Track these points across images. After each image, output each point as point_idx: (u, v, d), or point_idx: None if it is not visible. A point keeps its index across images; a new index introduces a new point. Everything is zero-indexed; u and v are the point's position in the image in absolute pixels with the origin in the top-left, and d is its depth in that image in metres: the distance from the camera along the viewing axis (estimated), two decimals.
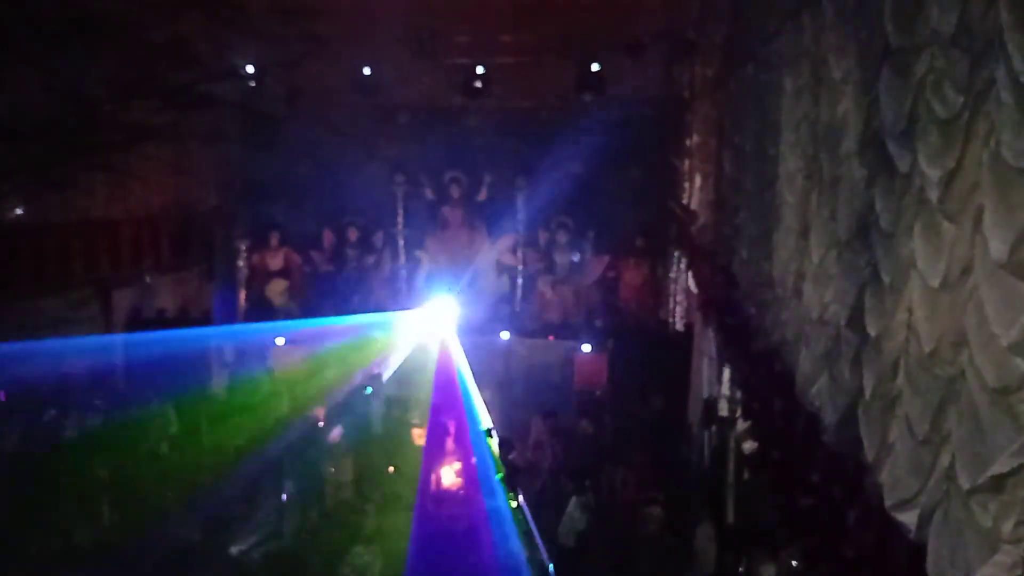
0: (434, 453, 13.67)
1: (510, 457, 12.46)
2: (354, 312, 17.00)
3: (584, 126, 16.34)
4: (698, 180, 15.75)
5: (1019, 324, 4.03)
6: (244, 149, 15.78)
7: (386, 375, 15.35)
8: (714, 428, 11.98)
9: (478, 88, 16.90)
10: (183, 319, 16.38)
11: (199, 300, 17.40)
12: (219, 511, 11.60)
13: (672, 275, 17.41)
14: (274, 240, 17.63)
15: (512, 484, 11.53)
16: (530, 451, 13.94)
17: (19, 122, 11.17)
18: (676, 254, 17.06)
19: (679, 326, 16.64)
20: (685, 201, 16.42)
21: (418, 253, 17.76)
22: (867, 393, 5.93)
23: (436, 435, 13.90)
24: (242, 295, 17.50)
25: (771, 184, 9.25)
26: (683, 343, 15.00)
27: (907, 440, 5.26)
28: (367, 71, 17.05)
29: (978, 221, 4.44)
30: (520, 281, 17.51)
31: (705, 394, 13.18)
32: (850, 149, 6.49)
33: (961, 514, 4.53)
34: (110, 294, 15.27)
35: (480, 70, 16.73)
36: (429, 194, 17.77)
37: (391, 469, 13.47)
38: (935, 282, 4.93)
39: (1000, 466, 4.12)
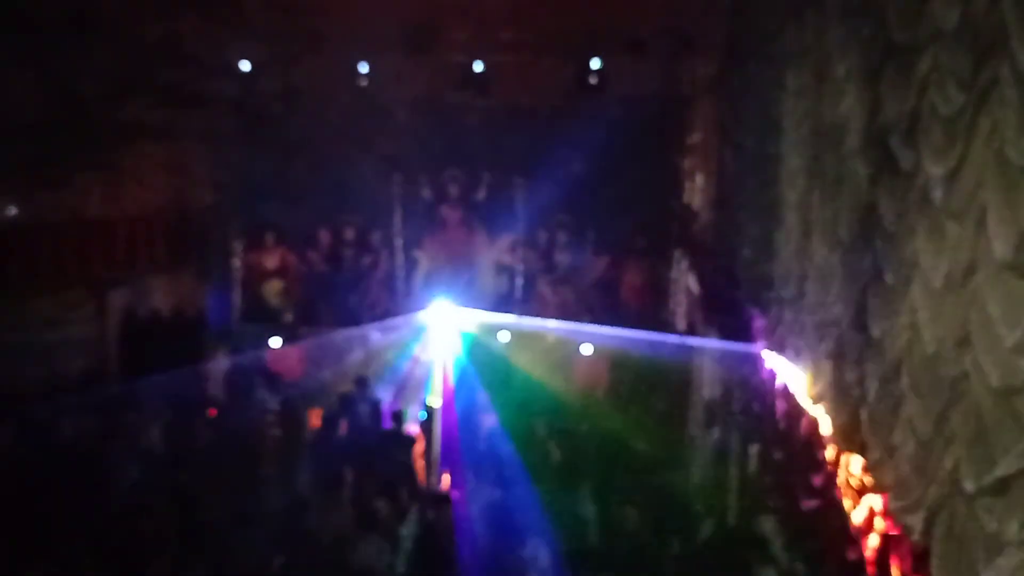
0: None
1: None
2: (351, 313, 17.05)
3: (584, 124, 16.32)
4: (699, 179, 15.77)
5: (1023, 325, 4.03)
6: (240, 148, 15.77)
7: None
8: (716, 429, 11.96)
9: (477, 86, 16.92)
10: (178, 319, 16.38)
11: (194, 300, 17.40)
12: None
13: (673, 275, 17.40)
14: (270, 239, 17.60)
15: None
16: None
17: (13, 121, 11.17)
18: (677, 254, 17.06)
19: (681, 325, 16.63)
20: (686, 200, 16.43)
21: (416, 253, 17.73)
22: (871, 394, 5.93)
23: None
24: (237, 295, 17.49)
25: (773, 183, 9.26)
26: (684, 342, 14.97)
27: (911, 442, 5.26)
28: (364, 68, 17.06)
29: (982, 221, 4.43)
30: (519, 281, 17.52)
31: (707, 395, 13.17)
32: (853, 147, 6.49)
33: (966, 516, 4.54)
34: (105, 294, 15.29)
35: (479, 67, 16.74)
36: (427, 193, 17.75)
37: None
38: (938, 282, 4.93)
39: (1005, 468, 4.13)
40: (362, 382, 14.43)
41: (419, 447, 13.48)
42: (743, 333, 10.26)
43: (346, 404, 13.61)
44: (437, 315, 15.09)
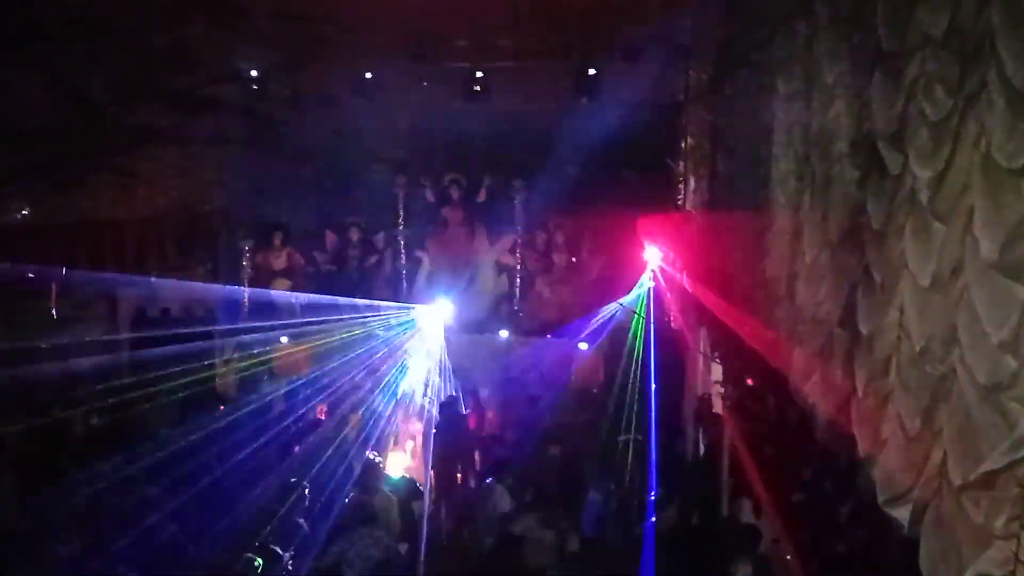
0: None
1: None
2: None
3: (581, 129, 16.36)
4: (693, 182, 15.79)
5: (1009, 323, 4.12)
6: (247, 151, 15.78)
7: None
8: (708, 425, 12.03)
9: (477, 91, 16.94)
10: (187, 319, 16.39)
11: (203, 300, 17.42)
12: None
13: (668, 275, 17.43)
14: (277, 240, 17.65)
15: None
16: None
17: (25, 124, 11.17)
18: (672, 254, 17.08)
19: (675, 324, 16.67)
20: (680, 202, 16.46)
21: (419, 253, 17.78)
22: (859, 391, 5.99)
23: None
24: (245, 294, 17.57)
25: (764, 185, 9.29)
26: (679, 341, 15.02)
27: (899, 437, 5.32)
28: (368, 75, 17.11)
29: (968, 221, 4.51)
30: (519, 281, 17.56)
31: (700, 392, 13.25)
32: (842, 151, 6.55)
33: (953, 510, 4.61)
34: (115, 294, 15.29)
35: (479, 74, 16.77)
36: (429, 195, 17.79)
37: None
38: (926, 281, 5.00)
39: (991, 463, 4.21)
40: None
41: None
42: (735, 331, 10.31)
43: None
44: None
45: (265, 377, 15.84)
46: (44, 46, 10.87)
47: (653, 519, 10.48)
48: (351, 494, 11.19)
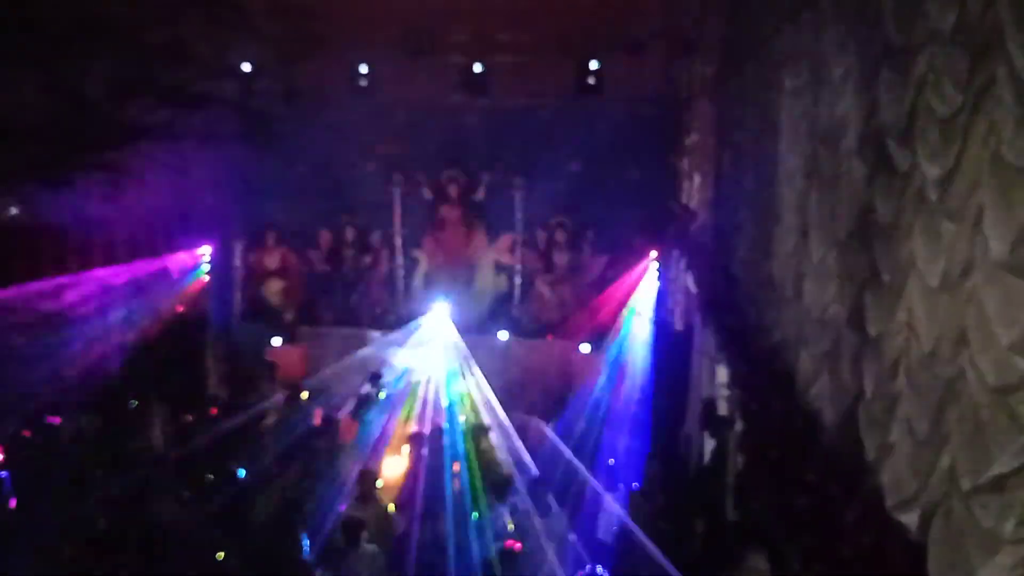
0: None
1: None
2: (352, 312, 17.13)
3: (583, 125, 16.36)
4: (697, 179, 15.76)
5: (1020, 323, 4.06)
6: (241, 148, 15.78)
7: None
8: (713, 427, 11.98)
9: (476, 87, 16.95)
10: (179, 318, 16.41)
11: (195, 299, 17.42)
12: None
13: (671, 275, 17.43)
14: (271, 239, 17.66)
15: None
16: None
17: (15, 121, 11.17)
18: (675, 253, 17.07)
19: (678, 325, 16.64)
20: (684, 200, 16.43)
21: (416, 253, 17.79)
22: (867, 393, 5.95)
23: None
24: (238, 294, 17.56)
25: (770, 183, 9.27)
26: (682, 342, 14.99)
27: (907, 440, 5.28)
28: (364, 70, 17.10)
29: (978, 220, 4.46)
30: (518, 281, 17.54)
31: (704, 393, 13.18)
32: (850, 148, 6.51)
33: (962, 514, 4.55)
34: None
35: (478, 69, 16.78)
36: (427, 193, 17.78)
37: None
38: (935, 282, 4.96)
39: (1001, 466, 4.15)
40: (376, 378, 14.48)
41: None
42: (740, 331, 10.27)
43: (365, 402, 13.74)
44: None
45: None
46: (36, 42, 10.86)
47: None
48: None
